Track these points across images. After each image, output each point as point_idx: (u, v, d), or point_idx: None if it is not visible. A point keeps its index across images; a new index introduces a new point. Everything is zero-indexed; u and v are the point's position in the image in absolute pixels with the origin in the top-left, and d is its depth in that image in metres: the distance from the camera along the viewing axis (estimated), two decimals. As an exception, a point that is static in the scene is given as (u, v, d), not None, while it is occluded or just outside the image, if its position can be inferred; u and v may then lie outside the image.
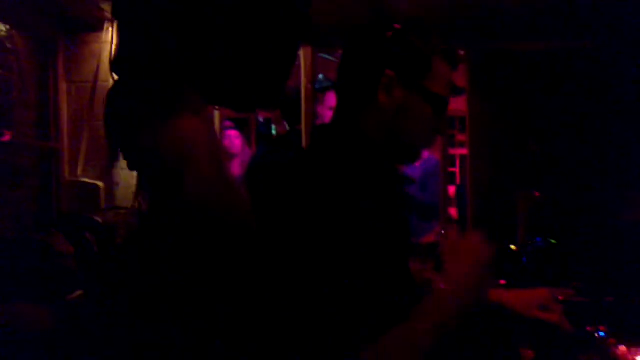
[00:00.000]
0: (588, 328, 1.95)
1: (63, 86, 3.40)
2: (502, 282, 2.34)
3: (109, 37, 3.20)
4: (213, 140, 1.59)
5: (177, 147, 1.50)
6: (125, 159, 1.58)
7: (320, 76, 4.09)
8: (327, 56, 4.81)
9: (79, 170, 3.39)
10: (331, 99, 3.75)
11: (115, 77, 2.90)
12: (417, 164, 1.64)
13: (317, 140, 1.36)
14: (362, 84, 1.29)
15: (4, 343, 1.96)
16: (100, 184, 3.36)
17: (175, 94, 1.66)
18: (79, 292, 2.71)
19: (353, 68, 1.31)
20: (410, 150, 1.37)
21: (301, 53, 3.43)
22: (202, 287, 1.48)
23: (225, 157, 3.53)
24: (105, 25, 3.29)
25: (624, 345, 1.76)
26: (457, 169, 6.05)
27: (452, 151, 5.51)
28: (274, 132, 6.02)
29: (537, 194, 3.13)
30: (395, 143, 1.31)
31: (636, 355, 1.69)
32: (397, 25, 1.30)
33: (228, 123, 4.97)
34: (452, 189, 4.99)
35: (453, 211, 4.40)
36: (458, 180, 5.90)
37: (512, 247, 2.68)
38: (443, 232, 3.14)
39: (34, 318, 2.01)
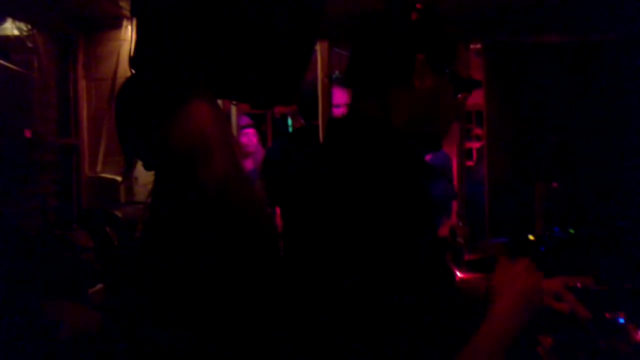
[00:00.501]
0: (607, 315, 1.95)
1: (83, 84, 3.45)
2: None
3: (128, 35, 3.24)
4: (224, 128, 1.61)
5: (190, 136, 1.52)
6: (139, 157, 1.61)
7: (337, 72, 4.10)
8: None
9: (99, 166, 3.44)
10: (337, 95, 3.77)
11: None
12: (426, 157, 1.54)
13: (336, 133, 1.27)
14: (393, 71, 1.20)
15: (49, 341, 1.99)
16: (119, 179, 3.40)
17: (187, 87, 1.69)
18: (99, 286, 2.75)
19: (378, 55, 1.21)
20: (435, 138, 1.31)
21: (317, 48, 3.45)
22: (215, 281, 1.50)
23: (238, 147, 3.53)
24: (124, 23, 3.33)
25: (644, 330, 1.76)
26: (473, 163, 6.03)
27: (469, 144, 5.49)
28: (290, 127, 6.04)
29: (555, 185, 3.12)
30: (420, 131, 1.25)
31: (656, 340, 1.69)
32: (419, 6, 1.22)
33: (245, 119, 5.01)
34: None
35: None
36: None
37: (530, 237, 2.67)
38: (460, 224, 3.14)
39: (80, 319, 2.04)
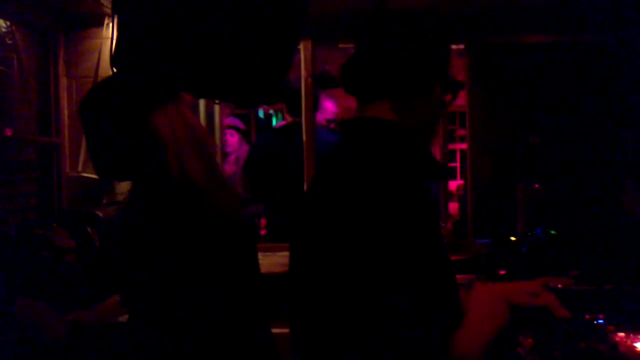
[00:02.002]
0: (587, 316, 1.97)
1: (63, 82, 3.41)
2: (502, 272, 2.35)
3: (109, 33, 3.20)
4: (194, 131, 1.60)
5: (159, 140, 1.51)
6: (108, 169, 1.60)
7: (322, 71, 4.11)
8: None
9: (80, 166, 3.40)
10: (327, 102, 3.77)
11: (116, 71, 2.86)
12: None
13: (352, 134, 1.34)
14: (424, 82, 1.31)
15: (18, 341, 1.96)
16: (101, 178, 3.36)
17: (160, 91, 1.67)
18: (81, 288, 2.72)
19: (414, 68, 1.32)
20: (433, 138, 1.44)
21: (301, 46, 3.44)
22: (193, 279, 1.49)
23: (214, 148, 3.51)
24: (106, 21, 3.29)
25: (623, 331, 1.77)
26: (457, 164, 6.06)
27: (452, 146, 5.51)
28: (274, 124, 6.01)
29: (537, 186, 3.14)
30: (426, 134, 1.36)
31: (634, 341, 1.70)
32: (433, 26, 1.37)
33: (231, 119, 5.00)
34: (453, 185, 5.00)
35: (454, 207, 4.40)
36: (459, 176, 5.91)
37: (512, 238, 2.68)
38: (442, 224, 3.15)
39: (52, 323, 2.01)
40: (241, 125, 5.03)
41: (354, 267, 1.12)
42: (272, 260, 3.12)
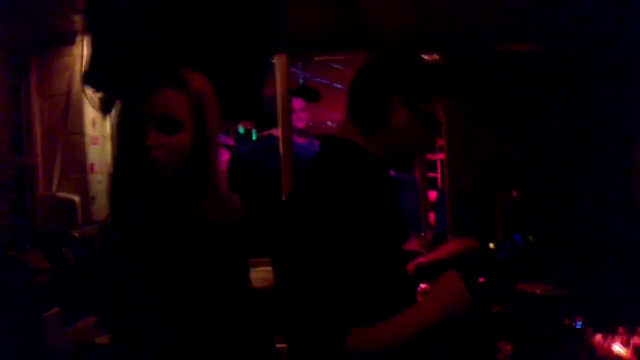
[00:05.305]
0: (566, 320, 1.97)
1: (36, 101, 3.37)
2: (481, 279, 2.34)
3: (82, 51, 3.18)
4: None
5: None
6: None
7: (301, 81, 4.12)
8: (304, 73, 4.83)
9: (55, 186, 3.35)
10: (295, 103, 3.79)
11: (88, 89, 2.85)
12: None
13: (325, 150, 1.52)
14: (376, 107, 1.47)
15: None
16: (76, 198, 3.32)
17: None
18: (55, 310, 2.67)
19: (369, 93, 1.48)
20: (406, 164, 1.61)
21: (276, 60, 3.43)
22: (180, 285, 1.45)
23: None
24: (78, 38, 3.26)
25: (600, 334, 1.78)
26: (438, 174, 6.06)
27: (432, 156, 5.52)
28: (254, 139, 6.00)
29: (515, 194, 3.15)
30: (393, 158, 1.50)
31: (612, 343, 1.70)
32: (409, 57, 1.51)
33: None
34: (433, 195, 5.00)
35: (431, 217, 4.40)
36: (440, 185, 5.91)
37: (491, 245, 2.68)
38: (423, 234, 3.14)
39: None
40: (230, 142, 5.00)
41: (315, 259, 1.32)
42: (254, 276, 3.08)
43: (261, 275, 3.09)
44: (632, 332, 1.79)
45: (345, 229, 1.32)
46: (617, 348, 1.68)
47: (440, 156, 5.65)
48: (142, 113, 1.48)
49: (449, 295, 1.42)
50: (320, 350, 1.29)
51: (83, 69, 3.07)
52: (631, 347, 1.65)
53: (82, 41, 3.15)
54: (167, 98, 1.48)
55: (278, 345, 1.67)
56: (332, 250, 1.31)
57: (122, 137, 1.56)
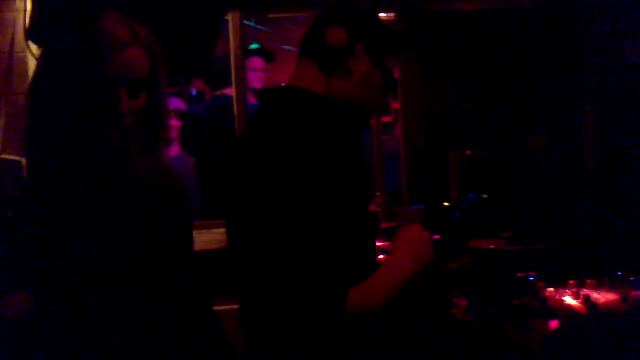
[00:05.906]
0: (519, 274, 2.01)
1: (-23, 58, 3.21)
2: (436, 237, 2.37)
3: (24, 4, 3.03)
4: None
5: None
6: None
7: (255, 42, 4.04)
8: (259, 26, 4.73)
9: (-1, 147, 3.23)
10: (254, 62, 3.73)
11: (32, 46, 2.73)
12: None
13: (275, 103, 1.46)
14: (337, 55, 1.43)
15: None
16: (22, 160, 3.20)
17: None
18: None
19: (327, 40, 1.44)
20: (368, 115, 1.59)
21: (229, 18, 3.34)
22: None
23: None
24: (19, -8, 3.10)
25: (552, 287, 1.82)
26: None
27: (385, 119, 5.52)
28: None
29: (468, 152, 3.18)
30: (355, 108, 1.46)
31: (562, 295, 1.75)
32: (373, 10, 1.51)
33: (172, 100, 4.84)
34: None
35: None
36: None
37: (446, 203, 2.71)
38: (378, 194, 3.15)
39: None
40: (183, 107, 4.89)
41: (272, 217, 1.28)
42: (208, 238, 3.06)
43: (216, 237, 3.07)
44: (581, 285, 1.84)
45: (319, 186, 1.27)
46: (568, 299, 1.73)
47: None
48: (109, 75, 1.32)
49: (416, 247, 1.43)
50: (320, 314, 1.24)
51: (26, 24, 2.94)
52: (581, 298, 1.70)
53: (24, -6, 3.00)
54: (135, 57, 1.35)
55: (222, 307, 1.64)
56: (309, 208, 1.26)
57: (79, 105, 1.41)
